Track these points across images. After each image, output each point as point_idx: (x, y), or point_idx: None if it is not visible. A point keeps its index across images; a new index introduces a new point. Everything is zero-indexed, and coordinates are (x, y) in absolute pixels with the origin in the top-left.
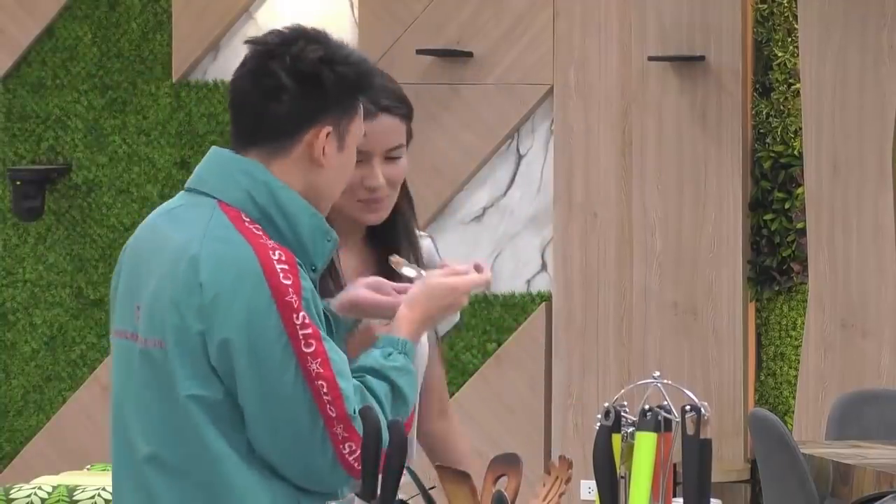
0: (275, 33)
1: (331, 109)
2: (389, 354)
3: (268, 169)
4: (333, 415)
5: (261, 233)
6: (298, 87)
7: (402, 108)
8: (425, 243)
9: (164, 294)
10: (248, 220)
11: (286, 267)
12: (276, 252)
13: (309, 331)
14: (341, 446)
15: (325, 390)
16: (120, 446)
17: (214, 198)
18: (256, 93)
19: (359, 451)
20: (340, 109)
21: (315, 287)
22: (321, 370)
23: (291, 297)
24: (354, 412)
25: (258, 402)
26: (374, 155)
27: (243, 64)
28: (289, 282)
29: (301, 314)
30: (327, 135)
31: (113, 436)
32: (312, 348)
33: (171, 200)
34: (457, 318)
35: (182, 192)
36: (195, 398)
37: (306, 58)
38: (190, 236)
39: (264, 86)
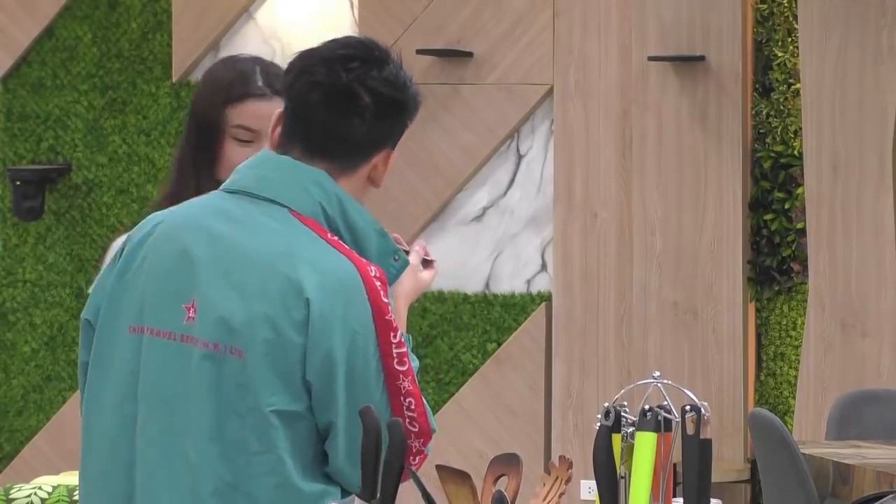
0: (347, 44)
1: (399, 132)
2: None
3: (336, 180)
4: (415, 430)
5: (347, 247)
6: (380, 108)
7: None
8: None
9: (251, 305)
10: (328, 231)
11: (380, 284)
12: (372, 269)
13: (403, 350)
14: (413, 460)
15: (411, 407)
16: (167, 447)
17: (284, 206)
18: (334, 106)
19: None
20: (402, 131)
21: None
22: (410, 387)
23: (390, 316)
24: (435, 428)
25: (345, 416)
26: (265, 137)
27: (310, 71)
28: (387, 300)
29: (399, 333)
30: (393, 157)
31: (152, 434)
32: (405, 367)
33: (212, 200)
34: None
35: (231, 195)
36: (279, 413)
37: (399, 83)
38: (279, 250)
39: (345, 101)
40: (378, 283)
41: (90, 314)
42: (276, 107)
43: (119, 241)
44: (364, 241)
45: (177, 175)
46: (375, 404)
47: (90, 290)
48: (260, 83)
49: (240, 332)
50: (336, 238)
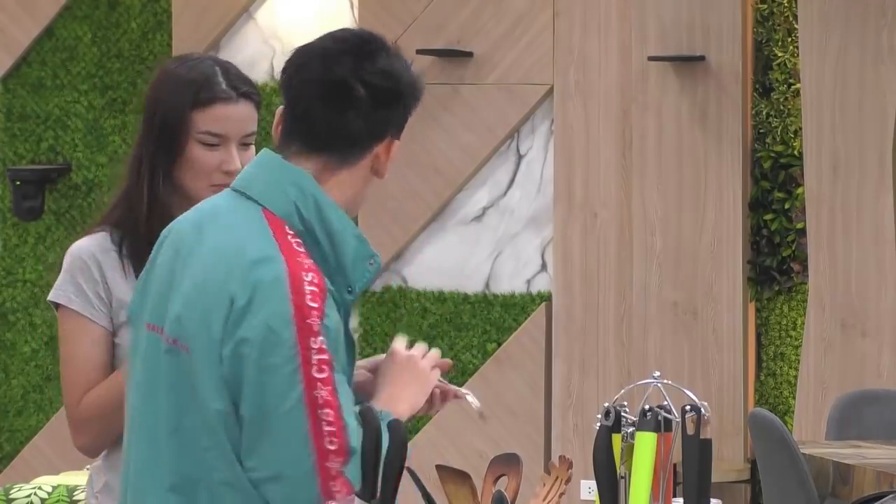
0: (340, 38)
1: (398, 121)
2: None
3: (332, 176)
4: (333, 448)
5: (302, 249)
6: (376, 100)
7: (258, 97)
8: None
9: (196, 300)
10: (291, 232)
11: (315, 290)
12: (310, 274)
13: (324, 357)
14: (330, 483)
15: (329, 419)
16: (145, 441)
17: (260, 204)
18: (329, 101)
19: (345, 494)
20: (403, 120)
21: (348, 310)
22: (329, 398)
23: (313, 321)
24: (357, 448)
25: (253, 419)
26: (231, 140)
27: (305, 67)
28: (314, 305)
29: (319, 339)
30: (396, 147)
31: (135, 421)
32: (324, 375)
33: (217, 196)
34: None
35: (228, 191)
36: (216, 411)
37: (388, 72)
38: (228, 245)
39: (340, 95)
40: (312, 288)
41: (129, 310)
42: (241, 109)
43: (76, 247)
44: (341, 244)
45: (133, 175)
46: (288, 409)
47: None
48: (224, 86)
49: (186, 327)
50: (299, 240)
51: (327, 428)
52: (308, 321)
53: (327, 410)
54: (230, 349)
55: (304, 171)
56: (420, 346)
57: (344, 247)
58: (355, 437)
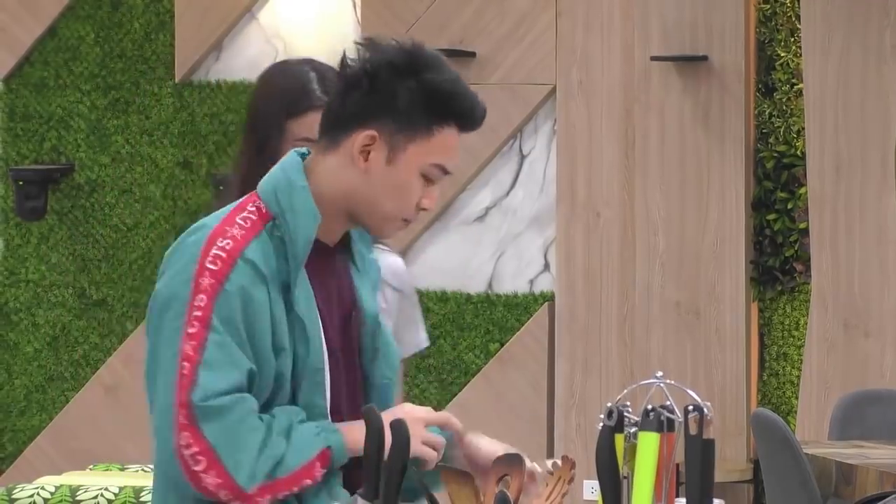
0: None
1: (387, 118)
2: (318, 433)
3: (323, 160)
4: (182, 400)
5: (244, 223)
6: (371, 85)
7: None
8: (391, 261)
9: None
10: (252, 209)
11: (222, 255)
12: (226, 241)
13: (199, 314)
14: (179, 436)
15: (184, 372)
16: None
17: (255, 189)
18: (343, 87)
19: (197, 451)
20: (401, 123)
21: (287, 289)
22: (190, 353)
23: (204, 279)
24: (200, 402)
25: (149, 372)
26: None
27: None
28: (214, 267)
29: (201, 296)
30: (372, 139)
31: None
32: (193, 330)
33: None
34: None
35: None
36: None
37: (378, 60)
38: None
39: (351, 82)
40: (218, 252)
41: None
42: None
43: None
44: (296, 224)
45: (238, 181)
46: (167, 362)
47: None
48: (318, 93)
49: None
50: (253, 217)
51: (183, 381)
52: (200, 279)
53: (185, 363)
54: (148, 303)
55: (298, 160)
56: (435, 416)
57: (298, 226)
58: (201, 392)
